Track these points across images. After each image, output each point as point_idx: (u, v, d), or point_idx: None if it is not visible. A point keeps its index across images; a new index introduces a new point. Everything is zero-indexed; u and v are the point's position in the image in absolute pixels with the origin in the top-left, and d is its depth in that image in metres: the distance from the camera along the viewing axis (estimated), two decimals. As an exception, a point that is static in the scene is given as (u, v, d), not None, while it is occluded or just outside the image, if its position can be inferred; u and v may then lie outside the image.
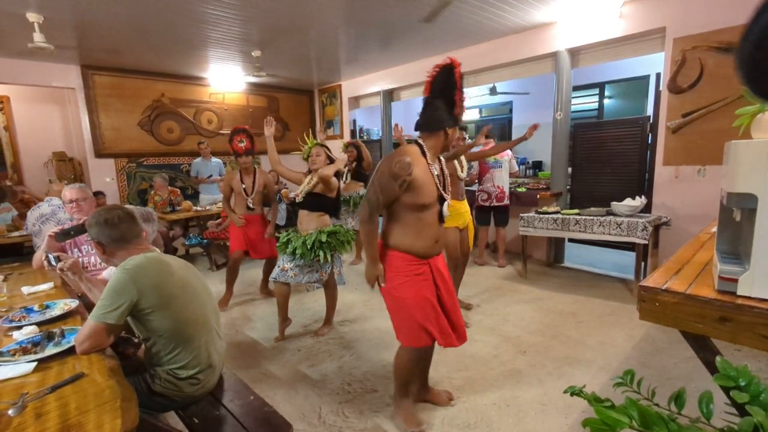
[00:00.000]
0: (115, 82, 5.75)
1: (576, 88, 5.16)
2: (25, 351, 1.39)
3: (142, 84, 5.98)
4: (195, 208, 5.34)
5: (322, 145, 2.96)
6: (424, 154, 1.74)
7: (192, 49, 4.94)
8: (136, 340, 1.87)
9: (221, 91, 6.79)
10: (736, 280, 1.17)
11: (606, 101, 6.45)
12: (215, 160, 5.99)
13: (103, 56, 5.16)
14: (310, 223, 2.89)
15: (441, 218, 1.83)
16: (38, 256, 2.28)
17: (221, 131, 6.74)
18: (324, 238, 2.76)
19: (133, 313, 1.41)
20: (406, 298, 1.78)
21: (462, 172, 3.26)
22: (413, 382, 2.06)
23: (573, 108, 4.75)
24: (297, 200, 2.93)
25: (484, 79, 5.39)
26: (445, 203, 1.83)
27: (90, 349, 1.38)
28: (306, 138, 3.13)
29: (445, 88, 1.74)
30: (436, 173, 1.76)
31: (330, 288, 3.01)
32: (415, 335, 1.81)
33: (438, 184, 1.76)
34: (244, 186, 3.72)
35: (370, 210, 1.73)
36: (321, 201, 2.90)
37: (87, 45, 4.67)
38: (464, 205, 3.29)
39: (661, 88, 3.77)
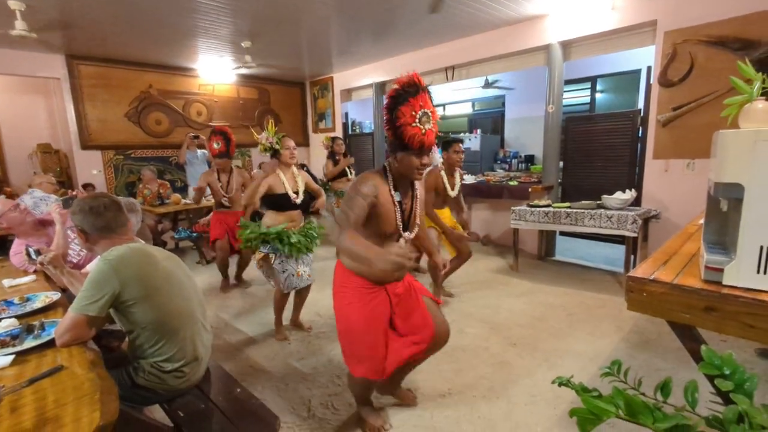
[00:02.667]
0: (101, 73, 5.63)
1: (568, 82, 5.16)
2: (2, 344, 1.35)
3: (129, 74, 5.86)
4: (184, 201, 5.27)
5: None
6: (386, 178, 1.65)
7: (180, 38, 4.84)
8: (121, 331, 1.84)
9: (211, 83, 6.69)
10: (722, 270, 1.17)
11: (598, 95, 6.47)
12: (201, 151, 5.92)
13: (88, 45, 5.04)
14: (299, 221, 2.87)
15: None
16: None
17: (211, 123, 6.64)
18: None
19: (115, 305, 1.38)
20: (356, 319, 1.68)
21: (453, 190, 3.31)
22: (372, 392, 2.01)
23: (565, 102, 4.75)
24: (298, 202, 2.79)
25: (477, 72, 5.37)
26: (402, 239, 1.72)
27: (70, 342, 1.34)
28: (263, 127, 3.06)
29: None
30: (398, 200, 1.66)
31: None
32: (360, 364, 1.72)
33: (397, 214, 1.65)
34: (220, 183, 3.86)
35: (339, 230, 1.58)
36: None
37: (71, 34, 4.56)
38: (443, 212, 3.36)
39: (651, 82, 3.78)
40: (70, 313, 1.33)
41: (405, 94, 1.50)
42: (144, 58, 5.70)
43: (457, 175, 3.36)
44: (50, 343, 1.37)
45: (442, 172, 3.25)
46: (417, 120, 1.51)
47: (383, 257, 1.43)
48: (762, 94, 1.22)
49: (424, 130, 1.53)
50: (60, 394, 1.07)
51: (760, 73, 1.24)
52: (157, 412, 1.75)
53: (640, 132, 3.95)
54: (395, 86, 1.52)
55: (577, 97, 6.58)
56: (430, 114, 1.54)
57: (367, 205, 1.57)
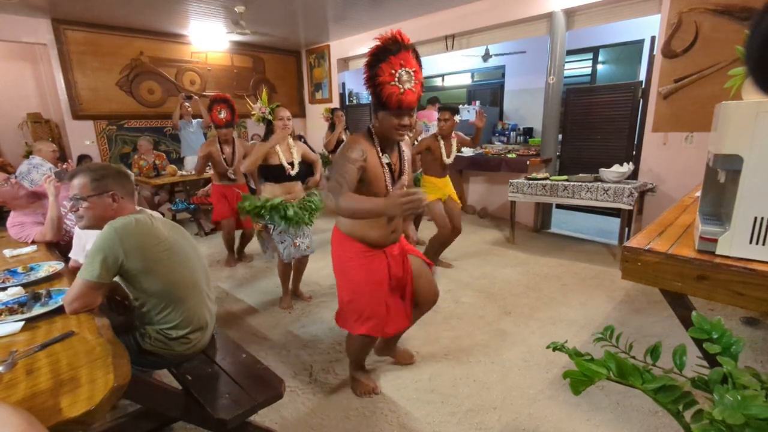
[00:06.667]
0: (90, 38, 5.43)
1: (570, 53, 5.05)
2: (11, 311, 1.38)
3: (118, 41, 5.66)
4: (180, 172, 5.23)
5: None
6: (373, 141, 1.64)
7: (170, 2, 4.66)
8: (126, 303, 1.87)
9: (204, 50, 6.48)
10: (715, 240, 1.20)
11: (600, 66, 6.36)
12: (195, 120, 5.83)
13: (74, 9, 4.84)
14: (297, 192, 2.87)
15: None
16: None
17: (204, 93, 6.49)
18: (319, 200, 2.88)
19: (121, 274, 1.41)
20: (358, 279, 1.73)
21: (448, 157, 3.34)
22: (367, 355, 2.08)
23: (566, 73, 4.67)
24: (292, 173, 2.77)
25: (477, 41, 5.23)
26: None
27: (80, 309, 1.37)
28: (257, 96, 2.99)
29: None
30: (386, 161, 1.66)
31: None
32: (363, 324, 1.76)
33: (386, 176, 1.65)
34: (224, 156, 3.69)
35: (335, 198, 1.49)
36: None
37: (56, -4, 4.37)
38: (443, 180, 3.41)
39: (654, 53, 3.71)
40: (78, 280, 1.35)
41: (386, 52, 1.47)
42: (134, 23, 5.49)
43: (453, 143, 3.38)
44: (59, 311, 1.39)
45: (439, 137, 3.27)
46: (396, 79, 1.47)
47: (392, 202, 1.35)
48: None
49: (402, 90, 1.48)
50: (73, 357, 1.11)
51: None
52: (165, 377, 1.81)
53: (641, 104, 3.92)
54: (377, 42, 1.47)
55: (578, 68, 6.46)
56: (412, 73, 1.50)
57: (357, 170, 1.55)
